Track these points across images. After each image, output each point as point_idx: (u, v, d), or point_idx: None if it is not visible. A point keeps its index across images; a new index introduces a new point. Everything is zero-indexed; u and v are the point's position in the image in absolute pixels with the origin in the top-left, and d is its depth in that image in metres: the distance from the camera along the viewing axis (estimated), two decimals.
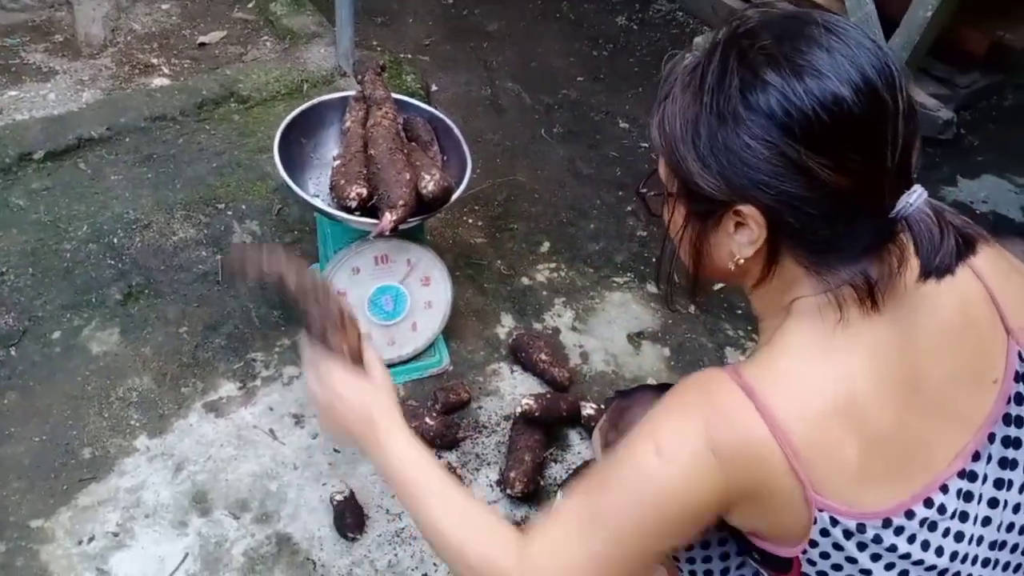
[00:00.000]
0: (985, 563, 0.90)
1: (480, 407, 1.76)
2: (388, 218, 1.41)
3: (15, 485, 1.51)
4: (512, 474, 1.57)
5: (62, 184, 1.90)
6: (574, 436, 1.73)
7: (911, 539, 0.85)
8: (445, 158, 1.66)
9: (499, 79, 2.60)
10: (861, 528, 0.83)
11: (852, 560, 0.85)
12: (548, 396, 1.68)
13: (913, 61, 2.19)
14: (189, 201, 1.95)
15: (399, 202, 1.41)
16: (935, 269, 0.79)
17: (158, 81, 2.16)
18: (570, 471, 1.66)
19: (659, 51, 2.78)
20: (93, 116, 1.98)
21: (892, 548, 0.84)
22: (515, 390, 1.79)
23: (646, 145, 2.44)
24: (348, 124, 1.62)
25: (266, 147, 2.08)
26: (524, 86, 2.59)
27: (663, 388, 1.15)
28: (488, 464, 1.66)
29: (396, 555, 1.50)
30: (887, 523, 0.83)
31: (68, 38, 2.26)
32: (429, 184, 1.44)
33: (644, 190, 0.97)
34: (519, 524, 1.55)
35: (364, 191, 1.46)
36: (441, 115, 1.69)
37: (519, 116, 2.49)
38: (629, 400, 1.23)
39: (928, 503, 0.85)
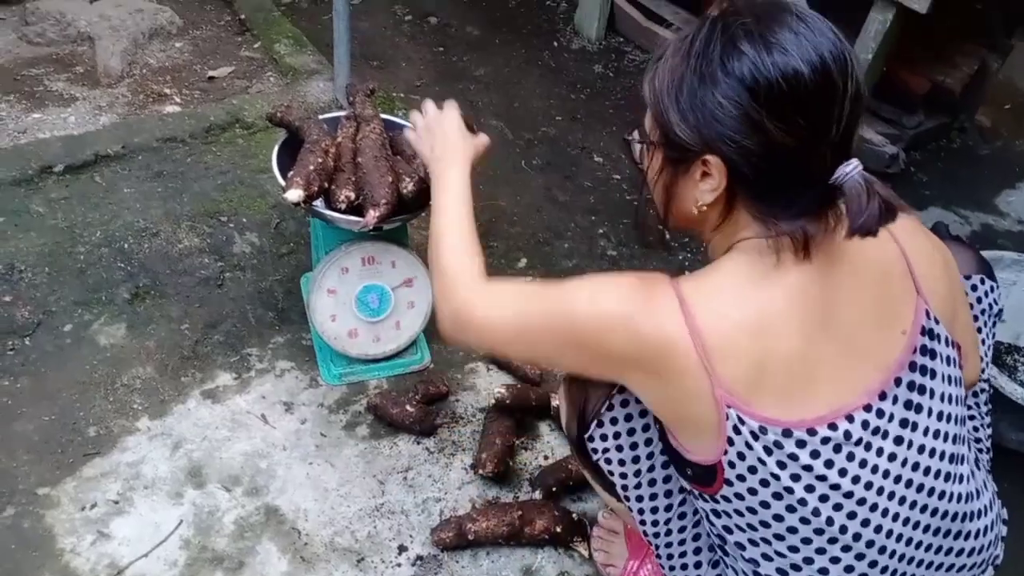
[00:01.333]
0: (891, 496, 1.02)
1: (457, 400, 1.90)
2: (372, 214, 1.58)
3: (24, 457, 1.64)
4: (483, 455, 1.70)
5: (79, 194, 2.07)
6: (544, 428, 1.87)
7: (814, 455, 0.98)
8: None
9: (484, 117, 2.81)
10: (763, 430, 0.96)
11: (763, 463, 0.98)
12: (519, 386, 1.83)
13: None
14: (195, 213, 2.12)
15: (382, 200, 1.59)
16: (860, 228, 0.93)
17: (170, 108, 2.36)
18: (539, 458, 1.80)
19: (632, 96, 3.01)
20: (109, 136, 2.17)
21: (793, 457, 0.97)
22: (490, 386, 1.93)
23: (618, 177, 2.64)
24: (340, 139, 1.80)
25: (267, 168, 2.27)
26: (507, 123, 2.80)
27: None
28: (464, 450, 1.79)
29: (375, 527, 1.62)
30: (787, 433, 0.97)
31: (88, 70, 2.47)
32: (409, 184, 1.61)
33: (630, 137, 1.11)
34: (491, 503, 1.68)
35: (352, 194, 1.63)
36: None
37: (501, 149, 2.69)
38: None
39: (832, 427, 0.98)
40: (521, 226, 2.40)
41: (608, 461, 1.25)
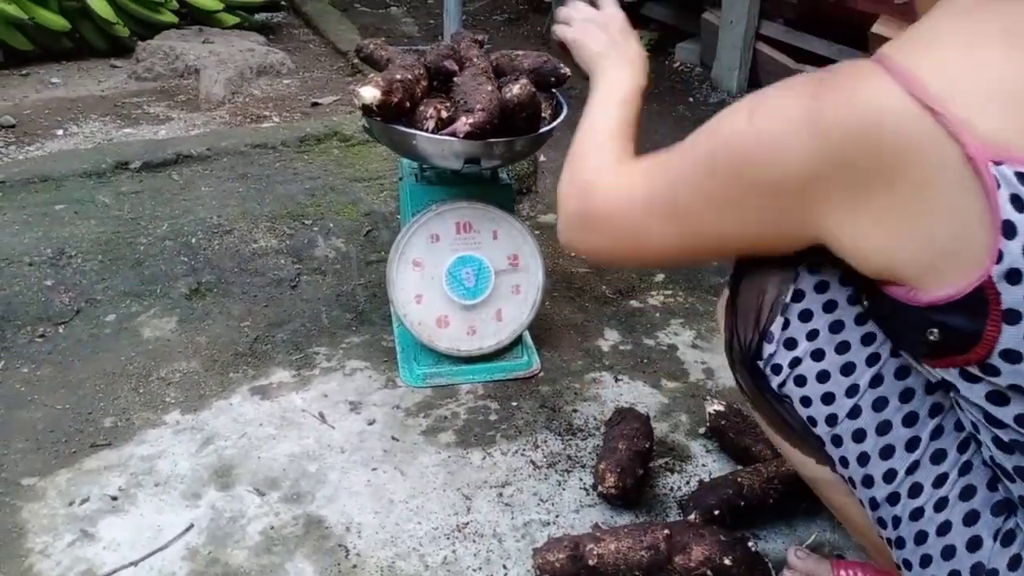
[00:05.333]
0: None
1: (575, 410, 1.42)
2: (463, 121, 1.22)
3: (19, 446, 1.28)
4: (602, 465, 1.20)
5: (151, 189, 1.85)
6: (696, 446, 1.34)
7: None
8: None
9: None
10: None
11: None
12: None
13: None
14: (276, 215, 1.84)
15: (476, 106, 1.23)
16: None
17: (267, 125, 2.17)
18: (691, 482, 1.26)
19: None
20: (195, 140, 1.98)
21: None
22: (619, 397, 1.45)
23: None
24: (434, 62, 1.47)
25: (363, 177, 2.00)
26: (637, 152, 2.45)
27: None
28: (583, 467, 1.29)
29: (454, 551, 1.13)
30: None
31: (190, 98, 2.36)
32: (514, 87, 1.25)
33: None
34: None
35: (444, 111, 1.29)
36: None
37: None
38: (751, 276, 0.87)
39: None
40: None
41: (800, 381, 0.81)
